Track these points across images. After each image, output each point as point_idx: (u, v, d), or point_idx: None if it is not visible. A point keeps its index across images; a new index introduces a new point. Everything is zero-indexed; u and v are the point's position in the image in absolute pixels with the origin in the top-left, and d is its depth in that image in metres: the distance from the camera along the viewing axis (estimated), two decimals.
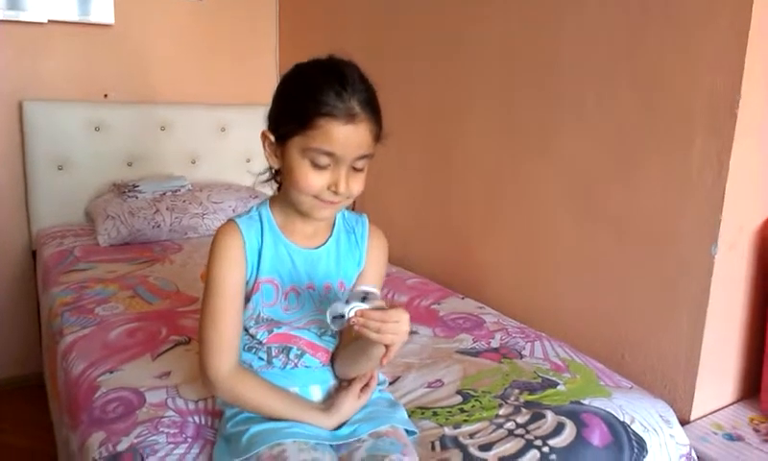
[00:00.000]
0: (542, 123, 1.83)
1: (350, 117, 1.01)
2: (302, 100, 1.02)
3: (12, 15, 2.50)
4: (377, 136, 1.07)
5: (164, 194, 2.64)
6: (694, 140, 1.42)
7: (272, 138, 1.09)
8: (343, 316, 0.99)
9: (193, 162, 2.97)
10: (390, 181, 2.45)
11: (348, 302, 1.00)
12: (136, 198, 2.57)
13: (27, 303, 2.71)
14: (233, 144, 3.03)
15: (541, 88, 1.82)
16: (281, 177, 1.13)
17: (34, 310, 2.63)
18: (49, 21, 2.58)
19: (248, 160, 3.04)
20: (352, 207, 1.21)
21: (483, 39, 2.02)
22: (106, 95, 2.79)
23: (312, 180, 1.04)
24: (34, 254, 2.63)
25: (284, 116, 1.06)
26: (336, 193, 1.05)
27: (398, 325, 0.99)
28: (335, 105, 1.00)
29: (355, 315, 0.98)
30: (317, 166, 1.03)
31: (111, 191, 2.68)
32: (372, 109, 1.04)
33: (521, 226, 1.93)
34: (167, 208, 2.54)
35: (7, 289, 2.72)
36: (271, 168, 1.15)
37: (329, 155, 1.02)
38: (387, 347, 1.01)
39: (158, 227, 2.49)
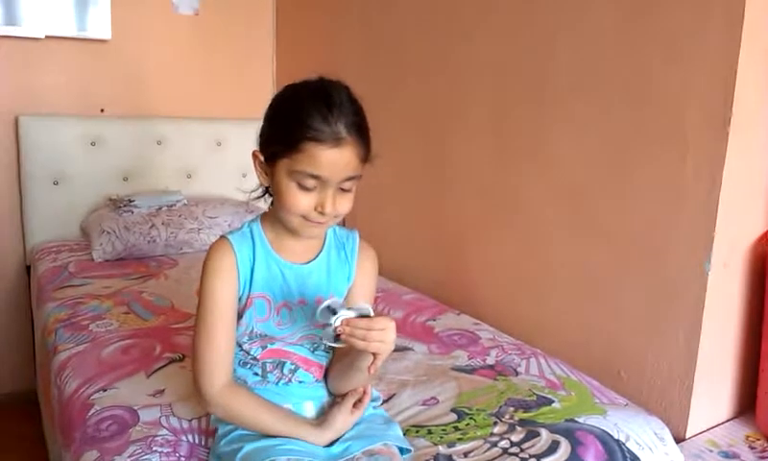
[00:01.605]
0: (535, 137, 1.84)
1: (336, 141, 1.02)
2: (289, 123, 1.04)
3: (8, 30, 2.51)
4: (364, 158, 1.08)
5: (160, 209, 2.64)
6: (686, 155, 1.43)
7: (261, 158, 1.10)
8: (335, 336, 0.99)
9: (189, 177, 2.97)
10: (384, 197, 2.45)
11: (320, 319, 1.01)
12: (132, 213, 2.57)
13: (21, 319, 2.70)
14: (229, 158, 3.03)
15: (534, 103, 1.83)
16: (272, 195, 1.14)
17: (28, 326, 2.62)
18: (46, 36, 2.59)
19: (244, 175, 3.04)
20: (342, 223, 1.22)
21: (475, 53, 2.03)
22: (102, 110, 2.80)
23: (299, 201, 1.05)
24: (28, 269, 2.62)
25: (272, 138, 1.08)
26: (323, 214, 1.06)
27: (384, 332, 0.99)
28: (321, 128, 1.01)
29: (342, 324, 0.98)
30: (303, 188, 1.05)
31: (107, 206, 2.68)
32: (359, 131, 1.05)
33: (516, 241, 1.93)
34: (162, 223, 2.54)
35: (1, 305, 2.70)
36: (262, 186, 1.16)
37: (315, 177, 1.03)
38: (374, 356, 1.01)
39: (154, 242, 2.49)
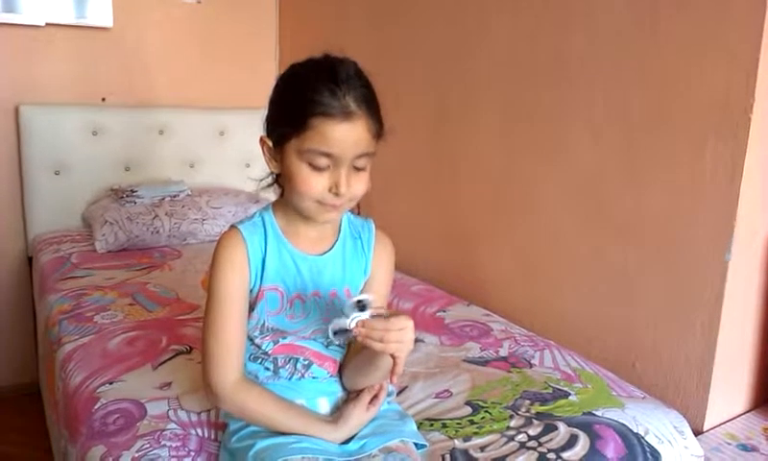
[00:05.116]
0: (550, 127, 1.80)
1: (346, 115, 0.97)
2: (296, 101, 0.99)
3: (8, 18, 2.46)
4: (377, 134, 1.03)
5: (163, 199, 2.61)
6: (706, 144, 1.39)
7: (270, 143, 1.06)
8: (345, 330, 0.95)
9: (191, 167, 2.94)
10: (395, 186, 2.42)
11: (347, 314, 0.96)
12: (135, 203, 2.54)
13: (23, 311, 2.67)
14: (232, 148, 2.99)
15: (549, 92, 1.79)
16: (283, 181, 1.09)
17: (30, 318, 2.59)
18: (47, 24, 2.54)
19: (247, 165, 3.01)
20: (357, 212, 1.17)
21: (489, 41, 1.99)
22: (103, 99, 2.76)
23: (312, 183, 1.01)
24: (30, 260, 2.59)
25: (279, 119, 1.04)
26: (338, 195, 1.01)
27: (402, 332, 0.95)
28: (329, 103, 0.97)
29: (357, 326, 0.94)
30: (316, 168, 1.00)
31: (109, 196, 2.64)
32: (370, 105, 1.01)
33: (528, 231, 1.90)
34: (166, 214, 2.50)
35: (2, 296, 2.67)
36: (272, 173, 1.11)
37: (327, 155, 0.99)
38: (394, 357, 0.97)
39: (157, 232, 2.46)
